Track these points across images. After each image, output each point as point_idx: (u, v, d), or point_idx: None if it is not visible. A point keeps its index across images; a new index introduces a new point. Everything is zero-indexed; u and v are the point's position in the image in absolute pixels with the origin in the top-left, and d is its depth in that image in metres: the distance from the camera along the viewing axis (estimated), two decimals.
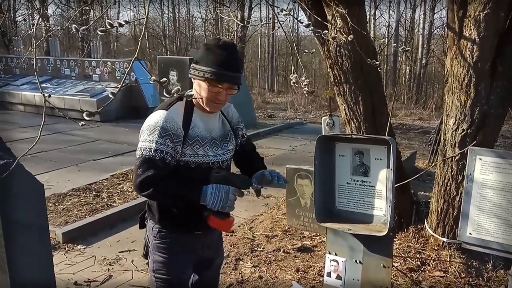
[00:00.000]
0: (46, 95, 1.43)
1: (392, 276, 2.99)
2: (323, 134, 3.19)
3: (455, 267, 3.30)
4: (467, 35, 3.00)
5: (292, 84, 2.73)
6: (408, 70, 18.86)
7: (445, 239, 3.44)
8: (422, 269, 3.36)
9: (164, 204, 1.91)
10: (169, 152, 1.78)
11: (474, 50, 2.99)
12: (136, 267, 3.54)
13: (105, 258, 3.71)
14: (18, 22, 19.81)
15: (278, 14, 2.58)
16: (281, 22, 3.07)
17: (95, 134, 8.46)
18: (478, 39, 2.95)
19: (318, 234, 4.02)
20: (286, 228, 4.21)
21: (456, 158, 3.26)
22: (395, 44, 12.14)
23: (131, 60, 1.45)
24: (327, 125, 4.17)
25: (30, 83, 11.64)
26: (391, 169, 2.23)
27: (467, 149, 2.71)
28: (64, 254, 3.78)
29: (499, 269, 3.26)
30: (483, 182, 2.45)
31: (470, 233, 2.52)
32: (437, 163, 3.53)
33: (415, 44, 18.87)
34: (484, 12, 2.88)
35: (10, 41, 16.21)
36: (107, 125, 9.31)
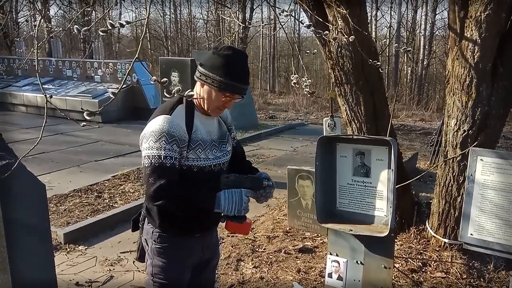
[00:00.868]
0: (47, 96, 1.43)
1: (393, 277, 2.99)
2: (324, 135, 3.19)
3: (456, 268, 3.29)
4: (468, 36, 3.00)
5: (293, 85, 2.73)
6: (409, 71, 18.81)
7: (446, 240, 3.43)
8: (423, 270, 3.35)
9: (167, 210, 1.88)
10: (177, 158, 1.76)
11: (475, 51, 2.99)
12: (137, 268, 3.55)
13: (106, 259, 3.72)
14: (20, 23, 19.88)
15: (279, 15, 2.57)
16: (283, 23, 3.07)
17: (97, 135, 8.48)
18: (479, 40, 2.95)
19: (319, 235, 4.02)
20: (287, 229, 4.21)
21: (458, 159, 3.25)
22: (396, 45, 12.14)
23: (133, 61, 1.46)
24: (328, 126, 4.16)
25: (32, 84, 11.65)
26: (392, 170, 2.23)
27: (469, 150, 2.71)
28: (66, 255, 3.79)
29: (501, 270, 3.25)
30: (484, 183, 2.44)
31: (471, 234, 2.51)
32: (439, 164, 3.52)
33: (416, 45, 18.83)
34: (485, 13, 2.88)
35: (12, 42, 16.24)
36: (108, 126, 9.32)
